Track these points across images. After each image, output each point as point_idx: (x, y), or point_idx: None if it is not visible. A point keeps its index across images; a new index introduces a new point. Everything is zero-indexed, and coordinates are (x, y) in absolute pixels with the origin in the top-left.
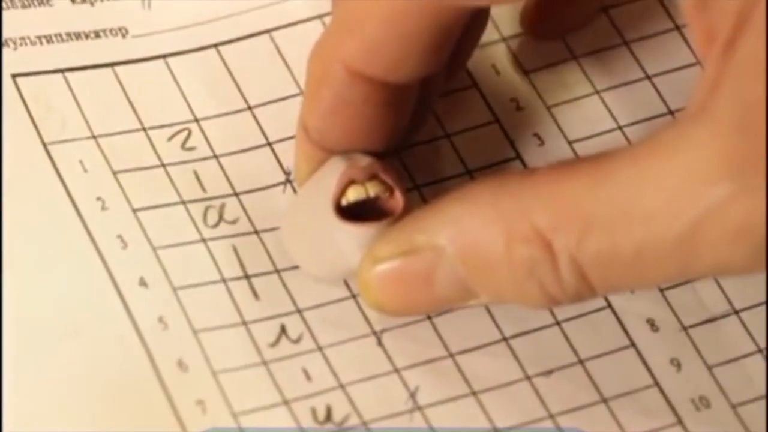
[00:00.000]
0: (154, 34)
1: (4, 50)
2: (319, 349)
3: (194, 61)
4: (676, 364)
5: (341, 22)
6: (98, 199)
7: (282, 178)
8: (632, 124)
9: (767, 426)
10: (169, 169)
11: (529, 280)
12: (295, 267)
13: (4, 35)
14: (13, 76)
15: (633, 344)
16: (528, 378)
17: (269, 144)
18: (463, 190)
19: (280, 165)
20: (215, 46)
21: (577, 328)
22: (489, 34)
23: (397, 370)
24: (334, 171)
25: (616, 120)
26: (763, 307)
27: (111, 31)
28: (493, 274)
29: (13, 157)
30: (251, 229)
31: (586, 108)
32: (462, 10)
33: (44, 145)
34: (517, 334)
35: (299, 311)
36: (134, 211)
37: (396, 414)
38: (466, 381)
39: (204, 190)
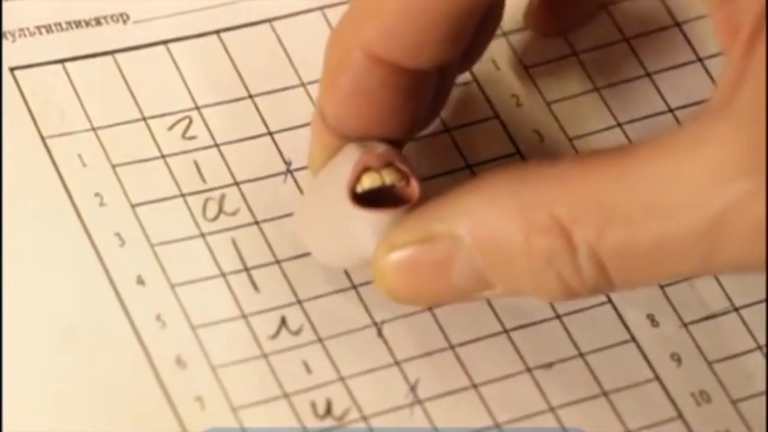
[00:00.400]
0: (155, 19)
1: (3, 42)
2: (320, 340)
3: (196, 47)
4: (677, 359)
5: (360, 8)
6: (96, 194)
7: (282, 168)
8: (632, 121)
9: (767, 422)
10: (169, 159)
11: (548, 271)
12: (296, 257)
13: (3, 27)
14: (12, 69)
15: (633, 339)
16: (529, 371)
17: (270, 133)
18: (483, 179)
19: (281, 155)
20: (217, 32)
21: (578, 321)
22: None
23: (397, 363)
24: (349, 158)
25: (615, 117)
26: (763, 305)
27: (112, 17)
28: (511, 265)
29: (11, 151)
30: (251, 220)
31: (586, 105)
32: None
33: (42, 138)
34: (518, 327)
35: (300, 302)
36: (133, 206)
37: (396, 408)
38: (467, 373)
39: (204, 181)
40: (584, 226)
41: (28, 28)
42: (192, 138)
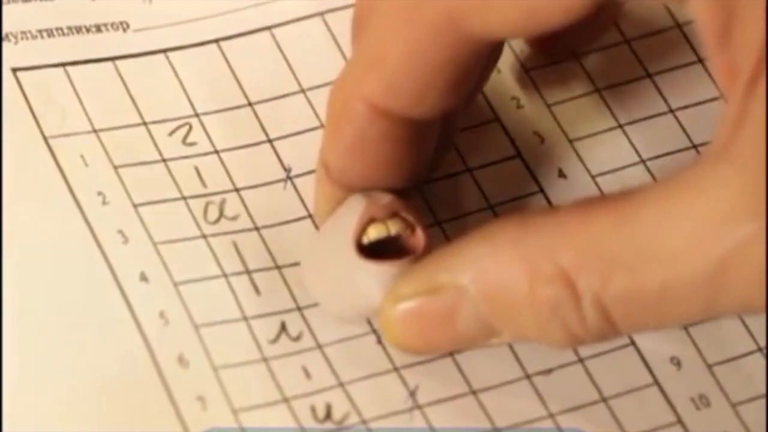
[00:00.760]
0: (155, 28)
1: (5, 44)
2: (319, 347)
3: (195, 56)
4: (676, 362)
5: (362, 58)
6: (99, 193)
7: (282, 174)
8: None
9: (767, 425)
10: (169, 164)
11: (553, 319)
12: (296, 264)
13: (5, 29)
14: (14, 70)
15: (633, 343)
16: (528, 377)
17: (270, 141)
18: (486, 229)
19: (281, 162)
20: (216, 41)
21: None
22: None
23: (396, 369)
24: (354, 209)
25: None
26: None
27: (112, 25)
28: (516, 314)
29: (14, 151)
30: (251, 226)
31: (587, 106)
32: (483, 43)
33: (45, 139)
34: None
35: (299, 309)
36: (135, 206)
37: (395, 413)
38: (466, 380)
39: (204, 185)
40: (588, 275)
41: (30, 31)
42: (192, 144)
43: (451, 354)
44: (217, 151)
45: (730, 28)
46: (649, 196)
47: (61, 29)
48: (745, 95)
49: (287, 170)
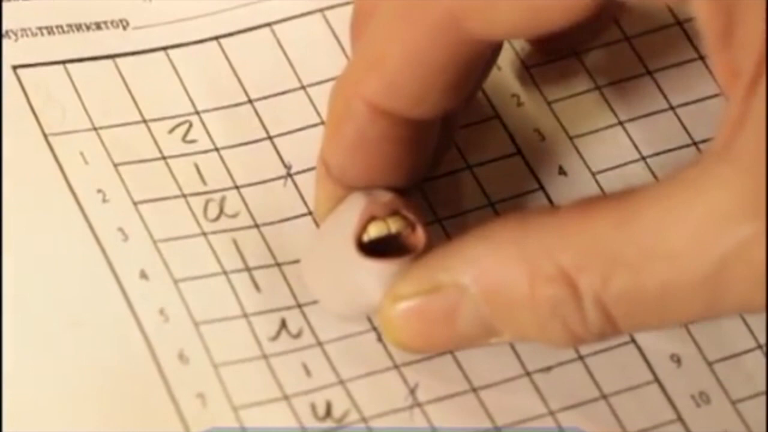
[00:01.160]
0: (154, 26)
1: (5, 42)
2: (319, 344)
3: (195, 54)
4: (676, 360)
5: (362, 59)
6: (99, 191)
7: (282, 171)
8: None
9: (767, 422)
10: (169, 161)
11: (553, 319)
12: (296, 262)
13: (5, 27)
14: (14, 67)
15: (633, 340)
16: (528, 374)
17: (270, 138)
18: (486, 228)
19: (281, 159)
20: (216, 38)
21: None
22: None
23: (396, 367)
24: (354, 207)
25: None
26: None
27: (112, 23)
28: (516, 314)
29: (13, 148)
30: (252, 223)
31: (587, 103)
32: (483, 43)
33: (45, 136)
34: None
35: (299, 306)
36: (135, 203)
37: (395, 410)
38: (466, 377)
39: (204, 183)
40: (589, 274)
41: (30, 29)
42: (192, 141)
43: (451, 352)
44: (217, 149)
45: (731, 28)
46: (649, 195)
47: (61, 27)
48: (746, 95)
49: (287, 167)
